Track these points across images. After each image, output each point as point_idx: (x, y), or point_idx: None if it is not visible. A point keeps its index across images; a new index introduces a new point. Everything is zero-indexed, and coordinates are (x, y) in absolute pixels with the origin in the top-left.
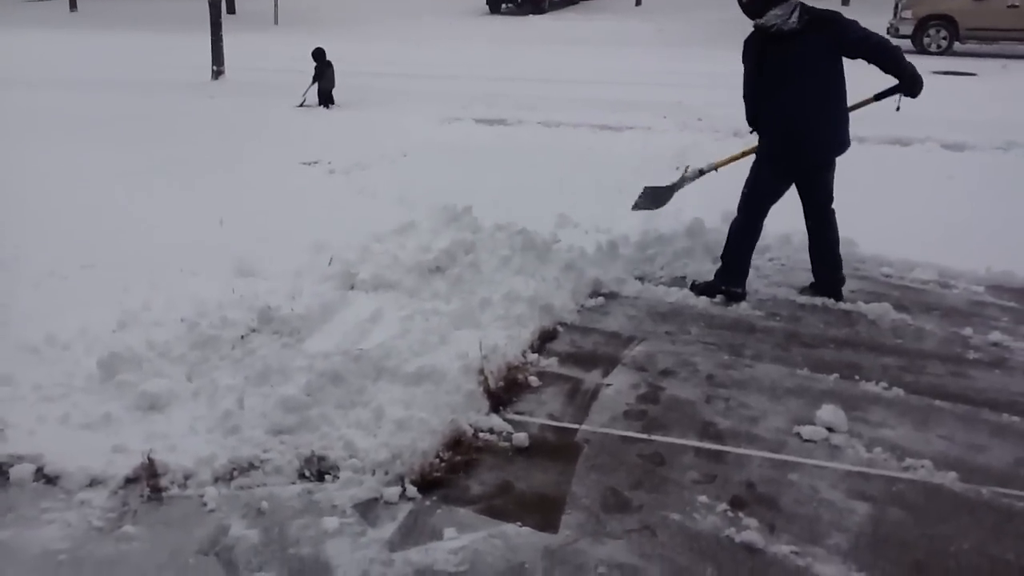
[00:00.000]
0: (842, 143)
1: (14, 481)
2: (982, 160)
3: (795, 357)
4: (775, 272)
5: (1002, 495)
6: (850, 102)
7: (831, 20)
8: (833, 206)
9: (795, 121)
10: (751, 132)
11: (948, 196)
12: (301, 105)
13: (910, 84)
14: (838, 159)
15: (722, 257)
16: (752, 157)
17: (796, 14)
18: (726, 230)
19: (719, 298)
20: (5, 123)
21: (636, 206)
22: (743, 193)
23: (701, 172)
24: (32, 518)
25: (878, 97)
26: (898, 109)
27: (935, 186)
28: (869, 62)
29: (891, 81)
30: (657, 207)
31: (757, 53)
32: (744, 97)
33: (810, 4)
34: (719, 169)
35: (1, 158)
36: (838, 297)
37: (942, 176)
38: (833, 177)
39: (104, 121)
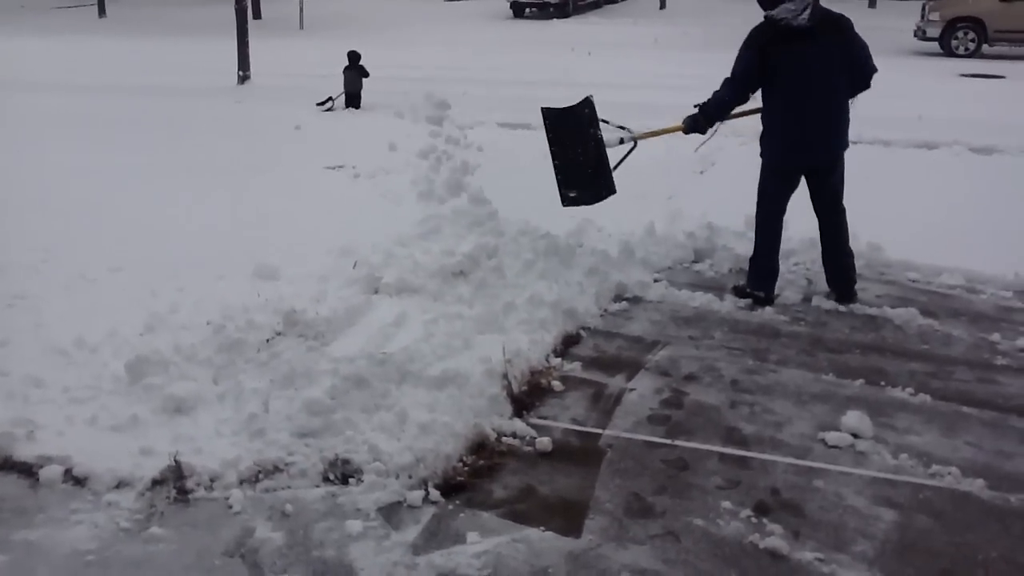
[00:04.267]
0: (846, 144)
1: (44, 482)
2: (1011, 164)
3: (820, 362)
4: (800, 277)
5: None
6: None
7: (846, 27)
8: (843, 205)
9: (804, 123)
10: (697, 109)
11: (976, 200)
12: (325, 107)
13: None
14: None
15: (749, 261)
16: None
17: (808, 12)
18: (748, 233)
19: (744, 302)
20: (35, 127)
21: (571, 201)
22: (757, 200)
23: (621, 141)
24: (61, 519)
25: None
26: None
27: (962, 190)
28: (852, 80)
29: None
30: (596, 199)
31: (761, 48)
32: (727, 82)
33: (836, 5)
34: (638, 142)
35: (30, 161)
36: (849, 299)
37: (970, 180)
38: (841, 177)
39: (131, 125)
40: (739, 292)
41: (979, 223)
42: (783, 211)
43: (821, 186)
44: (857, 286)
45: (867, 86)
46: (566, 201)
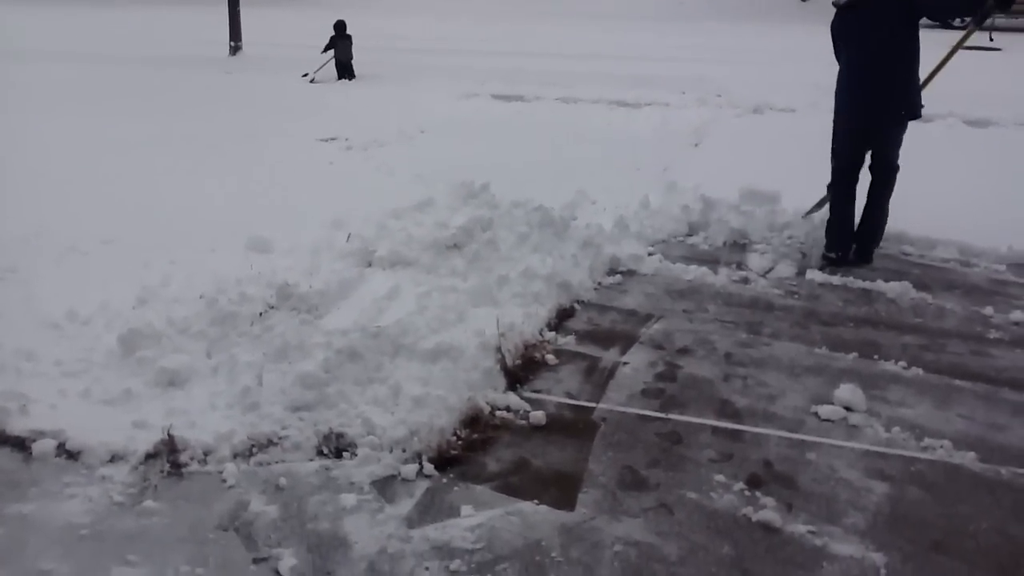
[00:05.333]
0: (912, 105)
1: (37, 456)
2: (1006, 136)
3: (814, 335)
4: (794, 250)
5: (1022, 475)
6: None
7: None
8: (896, 176)
9: (863, 79)
10: None
11: (970, 173)
12: (308, 78)
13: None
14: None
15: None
16: None
17: None
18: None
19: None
20: (24, 98)
21: None
22: (831, 161)
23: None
24: (54, 493)
25: (977, 23)
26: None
27: (957, 163)
28: (945, 15)
29: None
30: None
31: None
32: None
33: None
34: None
35: (20, 132)
36: (866, 259)
37: (964, 153)
38: (898, 143)
39: (122, 96)
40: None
41: (973, 196)
42: (850, 173)
43: (882, 145)
44: (850, 258)
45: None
46: None
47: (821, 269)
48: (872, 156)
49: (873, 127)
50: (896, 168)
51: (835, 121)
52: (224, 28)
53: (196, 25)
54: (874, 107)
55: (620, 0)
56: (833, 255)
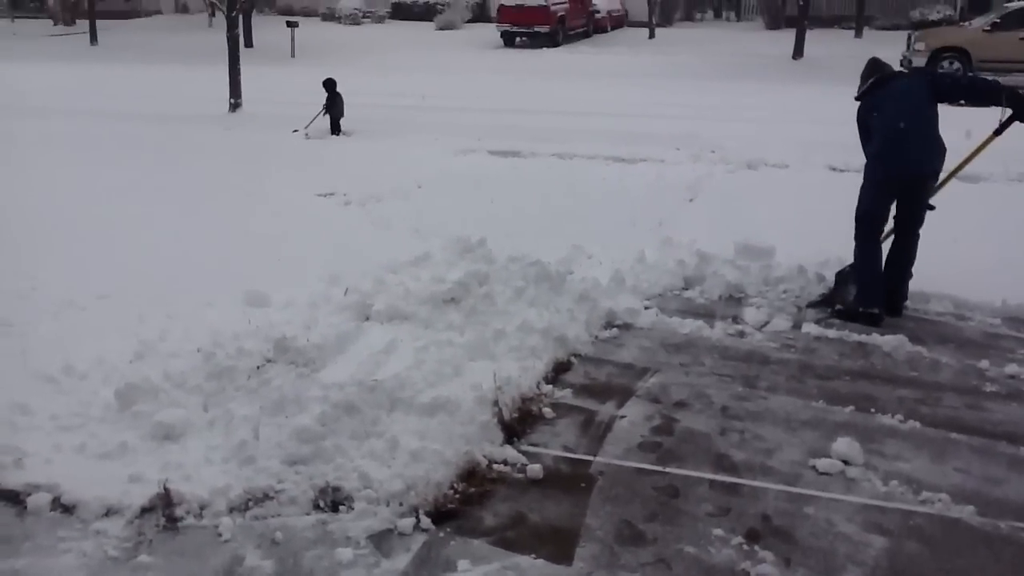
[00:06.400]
0: (941, 163)
1: (31, 510)
2: (998, 192)
3: (810, 389)
4: (789, 304)
5: (1020, 529)
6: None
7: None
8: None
9: (902, 139)
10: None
11: (963, 228)
12: (300, 133)
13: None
14: None
15: (856, 282)
16: None
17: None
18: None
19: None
20: (24, 152)
21: None
22: (855, 219)
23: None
24: (49, 547)
25: (997, 132)
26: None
27: (949, 218)
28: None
29: None
30: None
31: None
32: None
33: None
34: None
35: (19, 186)
36: (896, 313)
37: (956, 208)
38: (925, 202)
39: (122, 151)
40: (841, 315)
41: (967, 251)
42: (879, 231)
43: (911, 201)
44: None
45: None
46: None
47: (858, 319)
48: (906, 214)
49: (916, 183)
50: (921, 223)
51: (869, 184)
52: (224, 86)
53: (196, 82)
54: (915, 163)
55: (613, 59)
56: (875, 311)
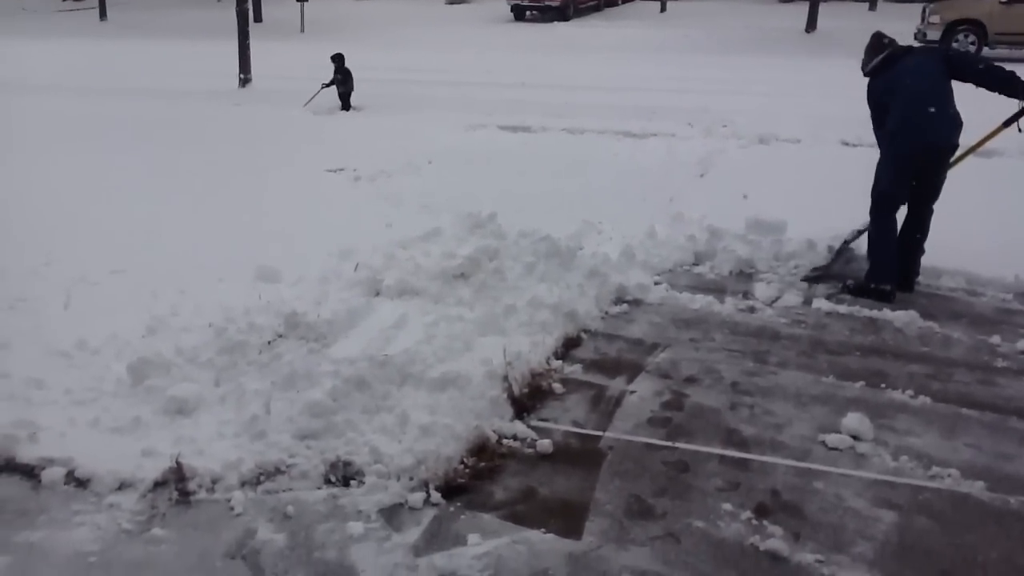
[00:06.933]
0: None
1: (46, 484)
2: (1011, 166)
3: (820, 364)
4: (800, 279)
5: None
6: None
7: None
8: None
9: (922, 116)
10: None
11: (976, 203)
12: (305, 108)
13: None
14: None
15: (868, 257)
16: None
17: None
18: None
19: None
20: (36, 130)
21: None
22: (872, 196)
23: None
24: (63, 520)
25: (1008, 123)
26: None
27: (963, 193)
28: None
29: None
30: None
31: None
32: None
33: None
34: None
35: (31, 164)
36: (908, 289)
37: (970, 183)
38: (942, 178)
39: (131, 127)
40: (852, 291)
41: (979, 226)
42: (895, 208)
43: (926, 179)
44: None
45: None
46: None
47: (869, 295)
48: (923, 188)
49: (935, 157)
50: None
51: (887, 161)
52: (233, 61)
53: (205, 57)
54: (935, 138)
55: (624, 32)
56: (887, 287)
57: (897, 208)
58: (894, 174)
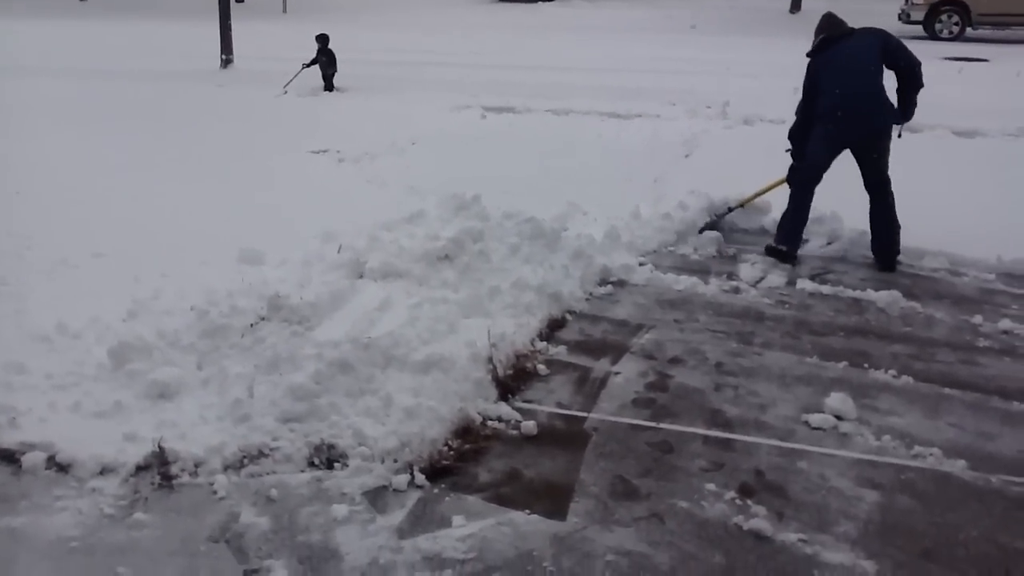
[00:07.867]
0: (893, 116)
1: (27, 469)
2: (994, 147)
3: (804, 345)
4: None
5: (1011, 483)
6: None
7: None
8: (891, 188)
9: (850, 96)
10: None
11: (959, 184)
12: (284, 91)
13: None
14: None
15: (780, 220)
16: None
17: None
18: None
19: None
20: (15, 112)
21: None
22: (792, 166)
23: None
24: (44, 505)
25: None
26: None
27: (945, 174)
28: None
29: None
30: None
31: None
32: None
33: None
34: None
35: (11, 146)
36: (889, 268)
37: (953, 163)
38: (882, 158)
39: (113, 109)
40: (767, 250)
41: (962, 206)
42: (814, 181)
43: (864, 160)
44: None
45: None
46: None
47: (772, 255)
48: (867, 172)
49: (865, 142)
50: (889, 180)
51: (816, 138)
52: (215, 41)
53: (187, 38)
54: (862, 122)
55: (608, 13)
56: (784, 248)
57: (815, 183)
58: (819, 152)
